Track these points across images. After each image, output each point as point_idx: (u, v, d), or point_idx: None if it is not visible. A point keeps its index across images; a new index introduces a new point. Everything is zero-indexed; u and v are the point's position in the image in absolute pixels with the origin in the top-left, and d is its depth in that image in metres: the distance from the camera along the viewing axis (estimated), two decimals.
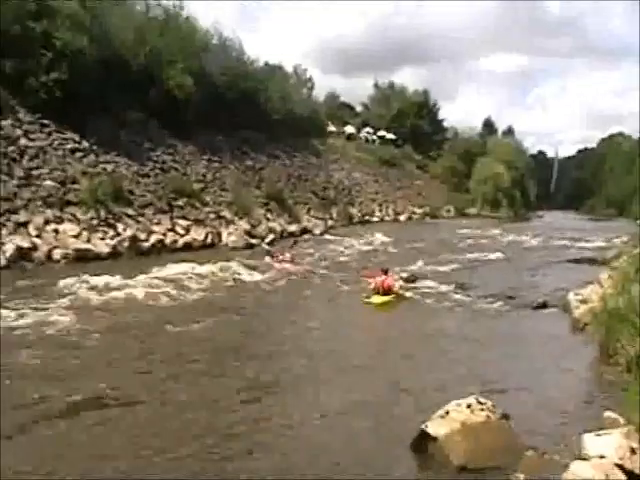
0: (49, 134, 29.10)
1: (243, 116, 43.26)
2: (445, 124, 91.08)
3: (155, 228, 29.04)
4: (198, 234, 30.95)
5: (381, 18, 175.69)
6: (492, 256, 30.07)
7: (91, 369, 11.45)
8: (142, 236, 27.77)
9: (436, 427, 8.07)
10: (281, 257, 24.98)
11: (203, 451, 8.16)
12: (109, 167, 30.40)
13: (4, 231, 23.15)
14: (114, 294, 17.72)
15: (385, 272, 19.07)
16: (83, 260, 23.74)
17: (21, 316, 14.61)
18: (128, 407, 9.67)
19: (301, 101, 58.24)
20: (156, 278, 20.19)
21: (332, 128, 67.83)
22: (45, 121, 29.32)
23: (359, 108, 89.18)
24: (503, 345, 14.55)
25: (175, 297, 18.07)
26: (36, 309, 15.33)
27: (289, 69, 63.59)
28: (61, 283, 18.52)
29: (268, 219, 38.57)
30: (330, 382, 11.39)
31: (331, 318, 17.20)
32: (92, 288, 18.27)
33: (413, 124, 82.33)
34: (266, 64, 55.37)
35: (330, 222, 46.66)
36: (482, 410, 8.29)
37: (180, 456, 7.97)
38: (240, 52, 48.58)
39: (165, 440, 8.44)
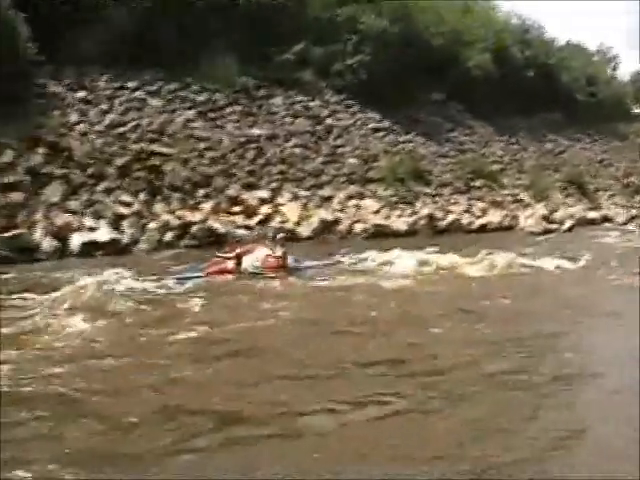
0: (353, 114, 30.46)
1: (543, 97, 41.44)
2: None
3: (452, 208, 28.83)
4: (494, 216, 30.17)
5: None
6: None
7: None
8: (439, 215, 27.69)
9: None
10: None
11: None
12: (408, 146, 30.92)
13: (311, 205, 24.42)
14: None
15: None
16: (381, 236, 24.13)
17: None
18: None
19: (604, 81, 54.67)
20: None
21: (639, 110, 62.99)
22: (349, 102, 30.75)
23: None
24: None
25: None
26: None
27: (592, 47, 59.91)
28: None
29: (567, 204, 36.62)
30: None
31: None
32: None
33: None
34: (567, 43, 52.75)
35: (634, 211, 43.18)
36: None
37: None
38: (540, 31, 46.75)
39: None
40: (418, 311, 12.79)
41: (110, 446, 6.56)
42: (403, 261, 17.38)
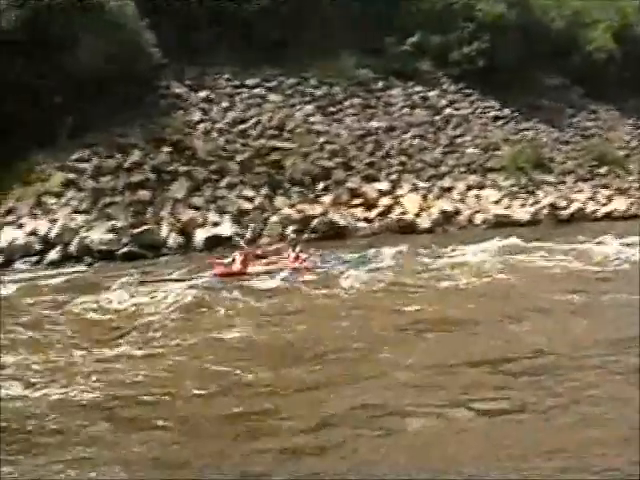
0: (472, 103, 30.07)
1: None
2: None
3: (575, 196, 27.89)
4: (620, 204, 28.96)
5: None
6: None
7: None
8: (562, 204, 26.89)
9: None
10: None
11: None
12: (529, 134, 30.18)
13: (431, 196, 24.27)
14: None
15: None
16: (502, 226, 23.56)
17: None
18: None
19: None
20: None
21: None
22: (468, 90, 30.33)
23: None
24: None
25: None
26: None
27: None
28: None
29: None
30: None
31: None
32: None
33: None
34: None
35: None
36: None
37: None
38: None
39: None
40: (492, 309, 12.22)
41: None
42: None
